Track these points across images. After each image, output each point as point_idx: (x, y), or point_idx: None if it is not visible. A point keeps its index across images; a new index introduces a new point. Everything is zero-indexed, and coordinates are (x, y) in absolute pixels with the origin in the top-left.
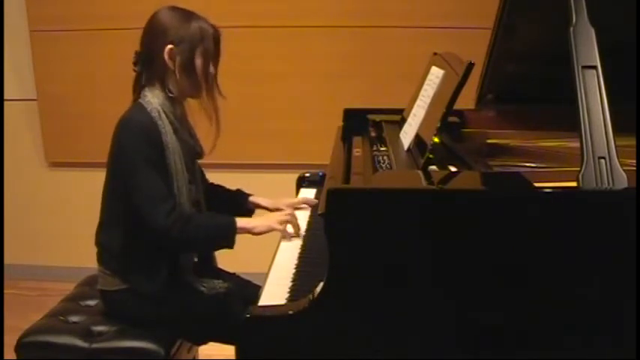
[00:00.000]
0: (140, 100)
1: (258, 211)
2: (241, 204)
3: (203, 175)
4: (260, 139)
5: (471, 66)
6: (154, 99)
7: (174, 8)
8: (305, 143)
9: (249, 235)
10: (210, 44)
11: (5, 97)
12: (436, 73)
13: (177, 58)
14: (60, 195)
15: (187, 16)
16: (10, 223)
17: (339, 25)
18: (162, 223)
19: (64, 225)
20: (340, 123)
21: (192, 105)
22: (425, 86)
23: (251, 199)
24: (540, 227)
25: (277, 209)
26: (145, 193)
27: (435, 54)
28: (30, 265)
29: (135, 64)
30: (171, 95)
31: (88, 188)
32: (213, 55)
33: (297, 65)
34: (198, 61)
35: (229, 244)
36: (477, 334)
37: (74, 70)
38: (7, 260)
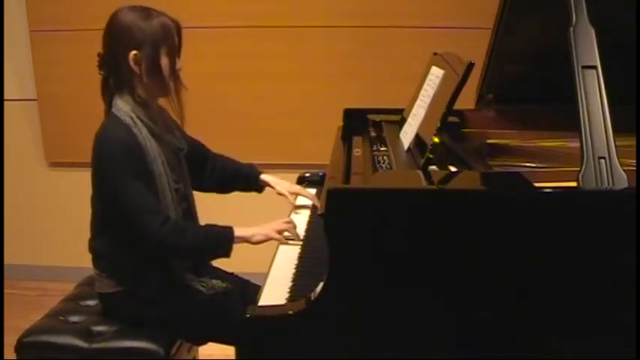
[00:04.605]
0: (113, 110)
1: (260, 215)
2: (253, 181)
3: (204, 147)
4: (260, 139)
5: (471, 66)
6: (125, 106)
7: (134, 7)
8: (305, 143)
9: None
10: (174, 40)
11: (5, 97)
12: (436, 73)
13: (143, 62)
14: (60, 195)
15: (147, 13)
16: (10, 223)
17: (339, 25)
18: (156, 234)
19: (64, 225)
20: (340, 123)
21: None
22: (425, 86)
23: (262, 177)
24: (540, 227)
25: (280, 194)
26: (135, 207)
27: (435, 54)
28: (30, 265)
29: (100, 67)
30: (140, 99)
31: (88, 188)
32: (177, 49)
33: (297, 65)
34: (164, 61)
35: (226, 253)
36: (477, 334)
37: (74, 70)
38: (7, 260)
